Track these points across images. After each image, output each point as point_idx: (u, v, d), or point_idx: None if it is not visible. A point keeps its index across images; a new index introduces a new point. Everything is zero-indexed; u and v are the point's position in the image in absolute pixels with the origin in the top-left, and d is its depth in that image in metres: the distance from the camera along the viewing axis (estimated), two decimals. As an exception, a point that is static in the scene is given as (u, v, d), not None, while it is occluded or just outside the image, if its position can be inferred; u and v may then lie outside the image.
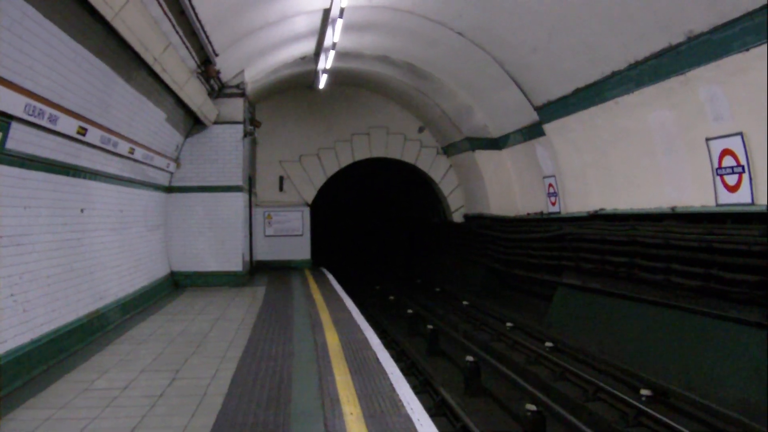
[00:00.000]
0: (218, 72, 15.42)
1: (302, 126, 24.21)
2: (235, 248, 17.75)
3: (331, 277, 20.14)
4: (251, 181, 21.52)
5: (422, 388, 11.77)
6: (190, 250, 17.35)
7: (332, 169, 24.51)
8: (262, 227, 23.43)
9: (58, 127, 8.46)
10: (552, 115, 15.62)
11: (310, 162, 24.22)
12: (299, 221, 23.88)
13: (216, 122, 17.33)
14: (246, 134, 18.22)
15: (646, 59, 11.38)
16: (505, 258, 19.54)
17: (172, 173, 16.76)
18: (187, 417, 6.37)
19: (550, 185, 17.31)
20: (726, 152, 10.26)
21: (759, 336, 9.56)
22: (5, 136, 7.34)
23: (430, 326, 15.81)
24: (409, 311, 18.32)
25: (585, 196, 15.27)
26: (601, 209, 14.41)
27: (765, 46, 8.80)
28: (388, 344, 14.33)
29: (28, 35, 7.14)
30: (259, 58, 17.20)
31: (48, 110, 8.01)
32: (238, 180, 17.69)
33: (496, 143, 20.58)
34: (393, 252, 35.87)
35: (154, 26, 10.15)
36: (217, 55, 14.12)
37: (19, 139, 7.69)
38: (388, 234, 37.78)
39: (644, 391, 10.01)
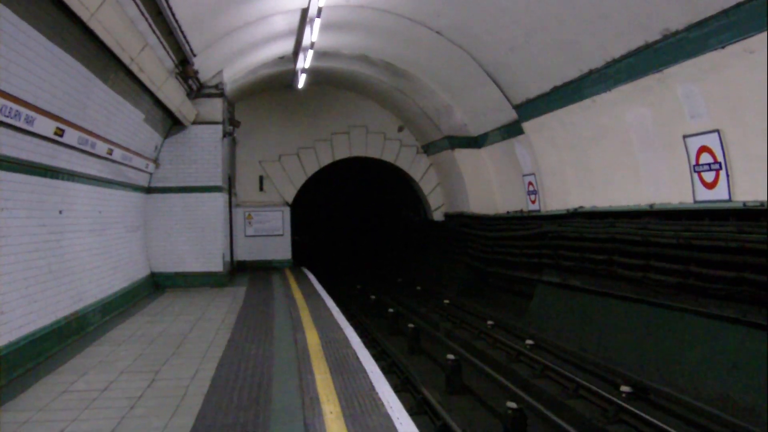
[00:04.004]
0: (196, 72, 15.35)
1: (282, 126, 24.19)
2: (216, 249, 17.69)
3: (311, 276, 20.12)
4: (231, 181, 21.46)
5: (403, 387, 11.79)
6: (170, 250, 17.27)
7: (312, 168, 24.48)
8: (243, 227, 23.38)
9: (34, 128, 8.40)
10: (530, 113, 15.67)
11: (290, 162, 24.19)
12: (280, 221, 23.86)
13: (195, 122, 17.27)
14: (225, 134, 18.17)
15: (623, 57, 11.44)
16: (486, 256, 19.60)
17: (151, 174, 16.68)
18: (167, 418, 6.35)
19: (530, 183, 17.37)
20: (703, 149, 10.34)
21: (737, 331, 9.65)
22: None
23: (411, 325, 15.84)
24: (390, 310, 18.33)
25: (564, 194, 15.34)
26: (580, 207, 14.49)
27: (741, 43, 8.89)
28: (369, 343, 14.35)
29: (3, 36, 7.08)
30: (237, 57, 17.15)
31: (24, 111, 7.95)
32: (217, 180, 17.64)
33: (476, 142, 20.63)
34: (374, 251, 35.86)
35: (131, 27, 10.10)
36: (195, 55, 14.06)
37: (-5, 141, 7.64)
38: (369, 233, 37.77)
39: (624, 388, 10.08)
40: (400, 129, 24.99)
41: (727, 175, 9.93)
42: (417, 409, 10.51)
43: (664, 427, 8.55)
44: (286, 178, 24.11)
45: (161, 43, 12.21)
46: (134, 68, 10.98)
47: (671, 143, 11.12)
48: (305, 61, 17.50)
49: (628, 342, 11.95)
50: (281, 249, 23.87)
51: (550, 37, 12.90)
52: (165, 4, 10.77)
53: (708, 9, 9.13)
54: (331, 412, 6.33)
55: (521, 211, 18.25)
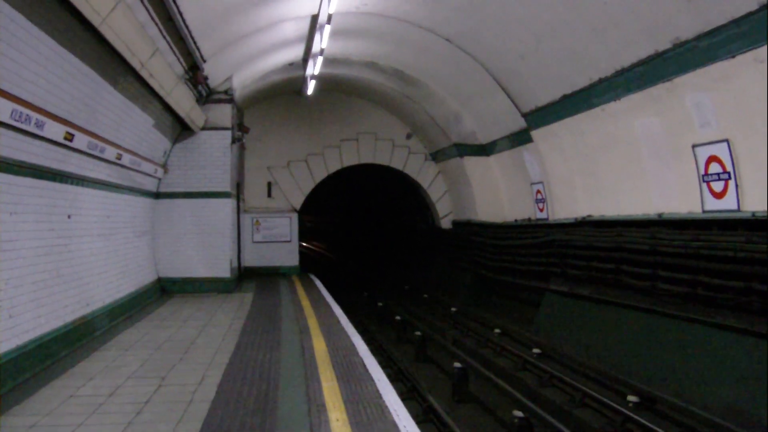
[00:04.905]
0: (206, 78, 15.39)
1: (291, 132, 24.20)
2: (223, 254, 17.69)
3: (319, 283, 20.10)
4: (239, 187, 21.48)
5: (410, 395, 11.77)
6: (177, 256, 17.29)
7: (321, 175, 24.48)
8: (250, 233, 23.38)
9: (44, 133, 8.42)
10: (539, 121, 15.66)
11: (298, 168, 24.19)
12: (287, 227, 23.85)
13: (204, 128, 17.30)
14: (234, 140, 18.20)
15: (633, 66, 11.43)
16: (493, 264, 19.55)
17: (159, 179, 16.71)
18: (173, 424, 6.35)
19: (538, 191, 17.34)
20: (712, 159, 10.30)
21: (745, 342, 9.60)
22: (-9, 142, 7.32)
23: (418, 333, 15.81)
24: (397, 318, 18.30)
25: (572, 202, 15.31)
26: (589, 216, 14.45)
27: (751, 53, 8.87)
28: (376, 351, 14.33)
29: (14, 41, 7.12)
30: (247, 63, 17.19)
31: (35, 116, 7.98)
32: (226, 186, 17.66)
33: (484, 149, 20.61)
34: (381, 258, 35.81)
35: (141, 32, 10.13)
36: (204, 60, 14.10)
37: (5, 145, 7.66)
38: (376, 240, 37.73)
39: (631, 398, 10.05)
40: (409, 136, 25.00)
41: (736, 185, 9.90)
42: (423, 416, 10.50)
43: (672, 437, 8.53)
44: (294, 185, 24.11)
45: (171, 48, 12.25)
46: (144, 73, 11.00)
47: (680, 152, 11.09)
48: (315, 67, 17.53)
49: (635, 351, 11.90)
50: (289, 255, 23.84)
51: (560, 46, 12.90)
52: (175, 10, 10.81)
53: (718, 18, 9.11)
54: (338, 420, 6.32)
55: (529, 219, 18.22)
